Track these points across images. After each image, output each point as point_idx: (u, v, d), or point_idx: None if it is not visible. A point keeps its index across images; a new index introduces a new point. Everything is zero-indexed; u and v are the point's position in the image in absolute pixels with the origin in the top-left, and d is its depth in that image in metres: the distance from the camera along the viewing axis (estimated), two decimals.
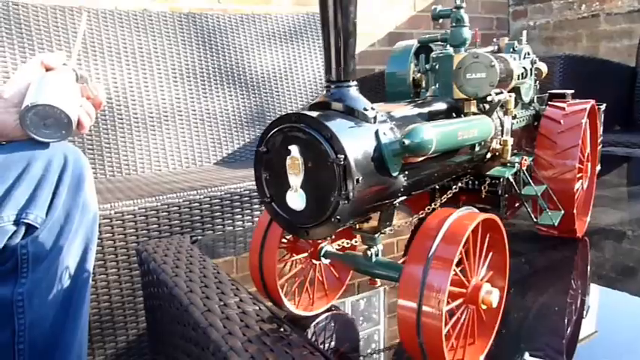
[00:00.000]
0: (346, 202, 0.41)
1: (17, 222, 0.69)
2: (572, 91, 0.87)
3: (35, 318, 0.73)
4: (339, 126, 0.42)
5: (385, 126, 0.46)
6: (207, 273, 0.71)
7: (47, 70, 0.73)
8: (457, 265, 0.46)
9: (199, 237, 1.13)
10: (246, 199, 1.31)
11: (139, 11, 1.73)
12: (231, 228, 1.28)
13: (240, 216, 1.30)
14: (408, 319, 0.43)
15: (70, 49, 1.55)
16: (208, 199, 1.25)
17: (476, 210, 0.49)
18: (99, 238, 1.12)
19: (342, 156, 0.40)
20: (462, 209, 0.48)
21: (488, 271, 0.51)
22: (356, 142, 0.43)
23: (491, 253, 0.51)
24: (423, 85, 0.71)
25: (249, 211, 1.31)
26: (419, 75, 0.71)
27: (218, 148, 1.80)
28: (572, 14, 2.69)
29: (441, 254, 0.43)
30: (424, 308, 0.42)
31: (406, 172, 0.48)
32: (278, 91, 1.94)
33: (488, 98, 0.58)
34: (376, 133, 0.45)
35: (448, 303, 0.45)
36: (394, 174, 0.46)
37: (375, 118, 0.46)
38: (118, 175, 1.59)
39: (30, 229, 0.70)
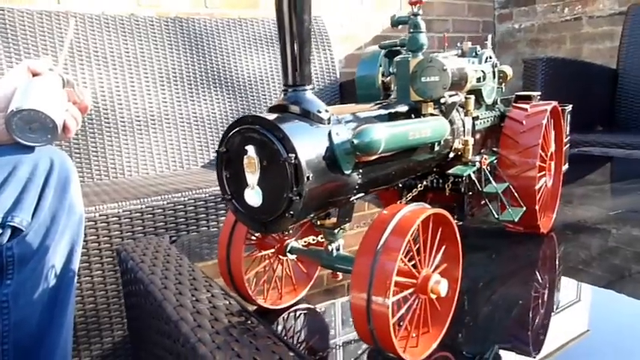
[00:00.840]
0: (298, 198, 0.44)
1: (3, 225, 0.71)
2: (539, 93, 0.90)
3: (20, 318, 0.75)
4: (292, 127, 0.45)
5: (339, 127, 0.49)
6: (183, 271, 0.74)
7: (34, 75, 0.75)
8: (408, 257, 0.49)
9: (178, 237, 1.16)
10: None
11: (125, 16, 1.76)
12: (216, 230, 1.30)
13: (224, 218, 1.32)
14: (359, 308, 0.46)
15: (57, 54, 1.57)
16: (193, 200, 1.28)
17: (426, 205, 0.52)
18: (84, 240, 1.14)
19: (293, 155, 0.43)
20: (413, 204, 0.51)
21: (442, 263, 0.54)
22: (308, 142, 0.46)
23: (444, 246, 0.53)
24: (392, 87, 0.74)
25: (225, 217, 1.33)
26: (388, 78, 0.74)
27: (205, 150, 1.83)
28: (556, 17, 2.74)
29: (388, 246, 0.46)
30: (373, 297, 0.45)
31: (360, 171, 0.51)
32: (265, 95, 1.97)
33: (442, 100, 0.61)
34: (329, 133, 0.48)
35: (398, 292, 0.48)
36: (347, 172, 0.49)
37: (329, 119, 0.49)
38: (105, 179, 1.62)
39: (16, 231, 0.72)
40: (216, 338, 0.55)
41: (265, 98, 1.97)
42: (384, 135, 0.48)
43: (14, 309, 0.74)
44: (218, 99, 1.88)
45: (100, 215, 1.16)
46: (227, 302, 0.63)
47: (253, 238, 0.62)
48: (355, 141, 0.47)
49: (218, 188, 1.40)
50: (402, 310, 0.49)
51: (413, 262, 0.49)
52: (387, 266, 0.45)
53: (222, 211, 1.34)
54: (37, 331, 0.77)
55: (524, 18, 2.87)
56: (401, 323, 0.50)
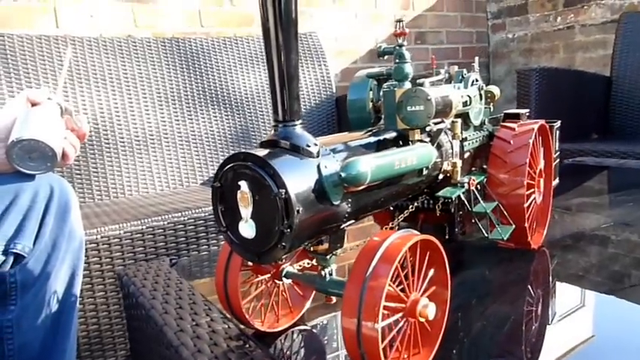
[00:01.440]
0: (289, 230, 0.46)
1: (6, 252, 0.73)
2: (527, 111, 0.93)
3: (24, 342, 0.77)
4: (282, 163, 0.48)
5: (327, 159, 0.52)
6: (183, 295, 0.76)
7: (32, 104, 0.77)
8: (397, 282, 0.51)
9: (178, 260, 1.17)
10: None
11: (123, 38, 1.79)
12: (216, 248, 1.32)
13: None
14: (350, 332, 0.48)
15: (56, 78, 1.60)
16: (192, 220, 1.30)
17: (415, 232, 0.54)
18: (86, 262, 1.16)
19: (284, 190, 0.46)
20: (402, 231, 0.53)
21: (431, 286, 0.56)
22: (298, 176, 0.48)
23: (432, 270, 0.56)
24: (382, 111, 0.76)
25: (223, 243, 1.35)
26: (378, 102, 0.76)
27: (204, 168, 1.85)
28: (549, 26, 2.78)
29: (377, 273, 0.48)
30: (363, 322, 0.47)
31: (349, 200, 0.54)
32: (262, 112, 2.00)
33: (427, 129, 0.63)
34: (318, 166, 0.50)
35: (388, 316, 0.50)
36: (336, 202, 0.51)
37: (318, 152, 0.51)
38: (105, 199, 1.64)
39: (18, 258, 0.75)
40: None
41: (262, 115, 1.99)
42: (370, 167, 0.50)
43: (18, 333, 0.76)
44: (216, 117, 1.91)
45: (101, 237, 1.18)
46: (226, 326, 0.65)
47: (250, 264, 0.64)
48: (343, 174, 0.49)
49: None
50: (393, 332, 0.51)
51: (402, 287, 0.51)
52: (376, 292, 0.47)
53: None
54: (41, 354, 0.79)
55: (517, 28, 2.91)
56: (392, 344, 0.52)
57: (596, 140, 2.20)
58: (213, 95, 1.92)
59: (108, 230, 1.19)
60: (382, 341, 0.47)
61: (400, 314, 0.51)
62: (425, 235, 0.53)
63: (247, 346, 0.61)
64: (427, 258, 0.54)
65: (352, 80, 0.79)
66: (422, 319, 0.51)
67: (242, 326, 0.65)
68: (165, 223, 1.26)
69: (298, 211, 0.46)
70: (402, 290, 0.51)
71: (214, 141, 1.89)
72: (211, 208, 1.40)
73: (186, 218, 1.29)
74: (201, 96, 1.90)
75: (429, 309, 0.51)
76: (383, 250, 0.49)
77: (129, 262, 1.21)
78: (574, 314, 0.69)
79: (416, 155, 0.59)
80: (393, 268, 0.48)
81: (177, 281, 0.81)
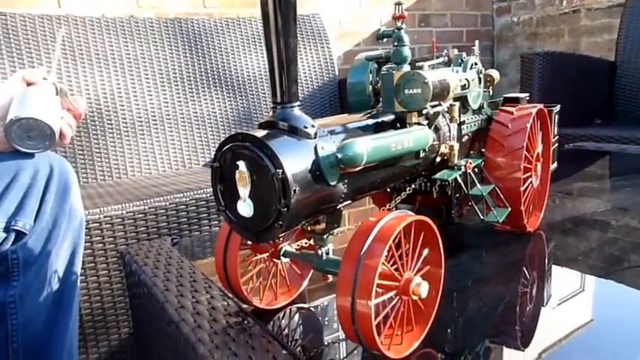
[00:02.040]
0: (286, 209, 0.48)
1: (7, 229, 0.75)
2: (527, 95, 0.93)
3: (27, 319, 0.79)
4: (279, 143, 0.49)
5: (324, 141, 0.53)
6: (184, 273, 0.78)
7: (28, 84, 0.78)
8: (392, 261, 0.52)
9: (180, 239, 1.19)
10: None
11: (125, 18, 1.79)
12: (217, 229, 1.34)
13: None
14: (345, 310, 0.49)
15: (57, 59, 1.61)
16: (194, 201, 1.32)
17: (410, 212, 0.55)
18: (89, 242, 1.18)
19: (281, 170, 0.47)
20: (397, 212, 0.54)
21: (425, 266, 0.57)
22: (295, 157, 0.49)
23: (426, 250, 0.57)
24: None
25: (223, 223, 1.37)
26: (378, 85, 0.77)
27: (207, 149, 1.86)
28: (554, 10, 2.75)
29: (371, 252, 0.49)
30: (357, 300, 0.48)
31: (346, 181, 0.55)
32: (264, 93, 2.00)
33: (424, 112, 0.64)
34: (315, 147, 0.51)
35: (382, 294, 0.52)
36: (332, 183, 0.52)
37: (315, 134, 0.52)
38: (108, 180, 1.66)
39: (19, 235, 0.76)
40: (215, 338, 0.59)
41: (265, 96, 1.99)
42: (367, 148, 0.51)
43: (21, 310, 0.77)
44: (218, 98, 1.91)
45: (104, 217, 1.20)
46: (225, 303, 0.67)
47: (248, 243, 0.65)
48: (339, 155, 0.50)
49: None
50: (387, 310, 0.53)
51: (395, 266, 0.53)
52: (370, 271, 0.48)
53: None
54: (44, 331, 0.81)
55: (523, 11, 2.88)
56: (386, 321, 0.53)
57: (599, 125, 2.19)
58: (216, 76, 1.92)
59: (111, 210, 1.21)
60: (375, 318, 0.49)
61: (394, 292, 0.53)
62: (419, 216, 0.54)
63: (246, 322, 0.62)
64: (421, 238, 0.55)
65: (352, 63, 0.80)
66: (415, 297, 0.53)
67: (241, 303, 0.67)
68: (168, 203, 1.28)
69: (295, 191, 0.47)
70: (396, 269, 0.53)
71: (217, 122, 1.89)
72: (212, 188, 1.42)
73: (188, 199, 1.31)
74: (204, 77, 1.90)
75: (421, 287, 0.52)
76: (377, 230, 0.51)
77: (131, 241, 1.23)
78: (573, 298, 0.71)
79: (412, 138, 0.59)
80: (387, 247, 0.49)
81: (179, 260, 0.83)
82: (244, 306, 0.67)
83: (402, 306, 0.54)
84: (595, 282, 0.75)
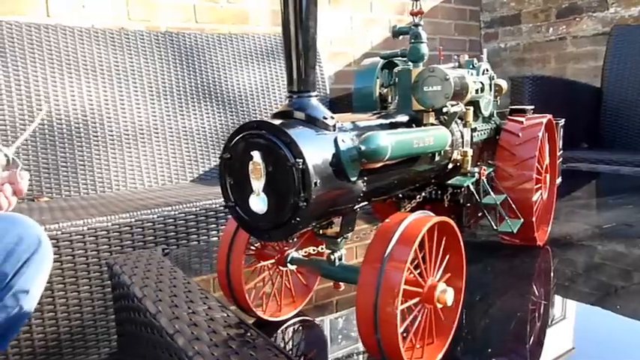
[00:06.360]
0: (305, 204, 0.43)
1: None
2: (533, 106, 0.91)
3: None
4: (298, 133, 0.45)
5: (344, 134, 0.49)
6: (177, 283, 0.72)
7: None
8: (414, 266, 0.48)
9: (171, 250, 1.14)
10: (222, 214, 1.32)
11: (115, 30, 1.75)
12: (206, 244, 1.28)
13: (215, 232, 1.30)
14: (367, 317, 0.45)
15: (45, 67, 1.56)
16: (183, 214, 1.26)
17: (431, 214, 0.51)
18: (71, 255, 1.12)
19: (301, 160, 0.43)
20: (418, 213, 0.50)
21: (446, 273, 0.53)
22: (315, 148, 0.45)
23: (448, 255, 0.53)
24: (389, 99, 0.74)
25: (224, 226, 1.31)
26: (385, 90, 0.74)
27: (194, 165, 1.81)
28: (541, 37, 2.80)
29: (395, 255, 0.45)
30: (380, 306, 0.44)
31: (365, 178, 0.51)
32: (255, 110, 1.96)
33: (444, 110, 0.61)
34: (335, 140, 0.47)
35: (405, 301, 0.47)
36: (352, 179, 0.48)
37: (334, 126, 0.48)
38: (92, 193, 1.59)
39: None
40: (215, 351, 0.53)
41: (255, 113, 1.96)
42: (391, 142, 0.47)
43: None
44: (208, 113, 1.87)
45: (88, 229, 1.13)
46: (225, 314, 0.61)
47: (252, 248, 0.61)
48: (362, 147, 0.46)
49: (209, 202, 1.39)
50: (407, 321, 0.48)
51: (419, 271, 0.48)
52: (395, 275, 0.44)
53: (213, 225, 1.32)
54: None
55: (510, 37, 2.93)
56: (404, 335, 0.49)
57: (586, 149, 2.21)
58: (206, 92, 1.89)
59: (95, 222, 1.15)
60: (400, 326, 0.44)
61: (416, 300, 0.48)
62: (442, 217, 0.50)
63: (249, 334, 0.57)
64: (443, 242, 0.51)
65: (359, 68, 0.77)
66: (439, 306, 0.48)
67: (242, 315, 0.62)
68: (155, 216, 1.22)
69: (316, 184, 0.43)
70: (419, 274, 0.48)
71: (205, 138, 1.85)
72: (202, 203, 1.36)
73: (176, 212, 1.25)
74: (194, 92, 1.86)
75: (447, 294, 0.48)
76: (401, 232, 0.47)
77: (116, 255, 1.16)
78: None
79: (433, 136, 0.56)
80: (412, 250, 0.45)
81: (171, 270, 0.78)
82: (246, 318, 0.62)
83: (424, 316, 0.50)
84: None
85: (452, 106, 0.61)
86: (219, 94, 1.90)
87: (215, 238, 1.31)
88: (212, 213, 1.32)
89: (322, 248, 0.60)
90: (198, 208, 1.28)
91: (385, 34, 2.63)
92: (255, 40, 2.02)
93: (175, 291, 0.69)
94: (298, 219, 0.44)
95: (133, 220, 1.19)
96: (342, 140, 0.48)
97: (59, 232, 1.10)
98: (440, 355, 0.52)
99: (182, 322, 0.59)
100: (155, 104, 1.75)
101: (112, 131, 1.66)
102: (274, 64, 2.07)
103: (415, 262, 0.48)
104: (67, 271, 1.12)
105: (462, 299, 0.55)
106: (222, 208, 1.32)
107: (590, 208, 1.19)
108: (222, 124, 1.89)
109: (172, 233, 1.25)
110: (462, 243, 0.54)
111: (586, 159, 1.85)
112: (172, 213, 1.24)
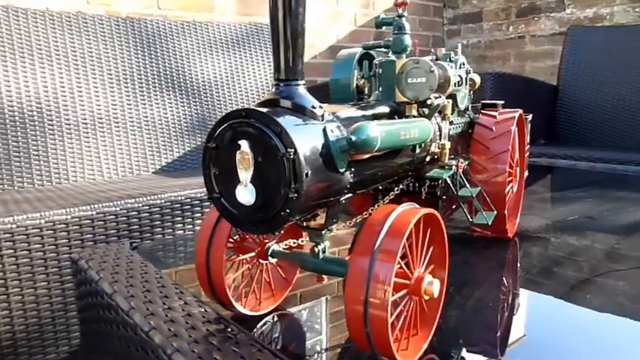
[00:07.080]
0: (296, 195, 0.42)
1: None
2: (503, 101, 0.93)
3: None
4: (288, 122, 0.43)
5: (332, 124, 0.48)
6: (149, 278, 0.69)
7: None
8: (401, 257, 0.48)
9: (140, 243, 1.10)
10: (188, 207, 1.28)
11: (72, 13, 1.67)
12: (172, 237, 1.24)
13: (181, 225, 1.27)
14: (356, 311, 0.44)
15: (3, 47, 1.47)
16: (147, 207, 1.22)
17: (417, 206, 0.51)
18: (27, 250, 1.06)
19: (292, 150, 0.41)
20: (404, 205, 0.50)
21: (430, 264, 0.53)
22: (305, 138, 0.44)
23: (432, 247, 0.53)
24: (366, 91, 0.73)
25: (190, 219, 1.28)
26: (362, 81, 0.73)
27: (157, 156, 1.75)
28: (501, 35, 2.87)
29: (385, 247, 0.44)
30: (371, 299, 0.43)
31: (352, 170, 0.50)
32: (220, 100, 1.92)
33: (428, 102, 0.61)
34: (324, 130, 0.46)
35: (393, 294, 0.47)
36: (341, 170, 0.47)
37: (322, 116, 0.47)
38: (47, 184, 1.51)
39: None
40: (196, 347, 0.51)
41: (220, 103, 1.92)
42: (380, 132, 0.46)
43: None
44: (170, 103, 1.82)
45: (46, 222, 1.08)
46: (202, 310, 0.59)
47: (231, 241, 0.59)
48: (353, 137, 0.45)
49: (174, 194, 1.34)
50: (395, 314, 0.48)
51: (405, 262, 0.48)
52: (386, 268, 0.44)
53: (179, 219, 1.28)
54: None
55: (472, 34, 2.99)
56: (394, 325, 0.48)
57: (544, 145, 2.29)
58: (169, 80, 1.83)
59: (53, 215, 1.09)
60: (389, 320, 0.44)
61: (404, 291, 0.48)
62: (429, 209, 0.50)
63: (229, 329, 0.55)
64: (429, 234, 0.51)
65: (336, 59, 0.76)
66: (426, 297, 0.48)
67: (221, 310, 0.60)
68: (118, 209, 1.17)
69: (307, 175, 0.42)
70: (407, 266, 0.48)
71: (168, 128, 1.79)
72: (167, 195, 1.32)
73: (140, 205, 1.21)
74: (156, 80, 1.80)
75: (434, 286, 0.48)
76: (390, 224, 0.46)
77: (76, 250, 1.11)
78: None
79: (418, 128, 0.56)
80: (402, 243, 0.44)
81: (142, 264, 0.74)
82: (224, 312, 0.60)
83: (410, 308, 0.50)
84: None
85: (435, 98, 0.61)
86: (182, 83, 1.85)
87: (181, 232, 1.27)
88: (178, 205, 1.28)
89: (303, 241, 0.59)
90: (163, 201, 1.24)
91: (350, 27, 2.63)
92: (220, 29, 1.98)
93: (148, 286, 0.67)
94: (288, 210, 0.43)
95: (94, 212, 1.13)
96: (331, 130, 0.47)
97: (14, 226, 1.04)
98: (425, 345, 0.52)
99: (158, 319, 0.57)
100: (115, 92, 1.69)
101: (68, 120, 1.58)
102: (240, 53, 2.03)
103: (402, 254, 0.47)
104: (23, 267, 1.06)
105: (444, 290, 0.55)
106: (188, 200, 1.28)
107: (554, 201, 1.23)
108: (186, 114, 1.84)
109: (136, 227, 1.20)
110: (445, 234, 0.54)
111: (544, 154, 1.92)
112: (136, 205, 1.20)
